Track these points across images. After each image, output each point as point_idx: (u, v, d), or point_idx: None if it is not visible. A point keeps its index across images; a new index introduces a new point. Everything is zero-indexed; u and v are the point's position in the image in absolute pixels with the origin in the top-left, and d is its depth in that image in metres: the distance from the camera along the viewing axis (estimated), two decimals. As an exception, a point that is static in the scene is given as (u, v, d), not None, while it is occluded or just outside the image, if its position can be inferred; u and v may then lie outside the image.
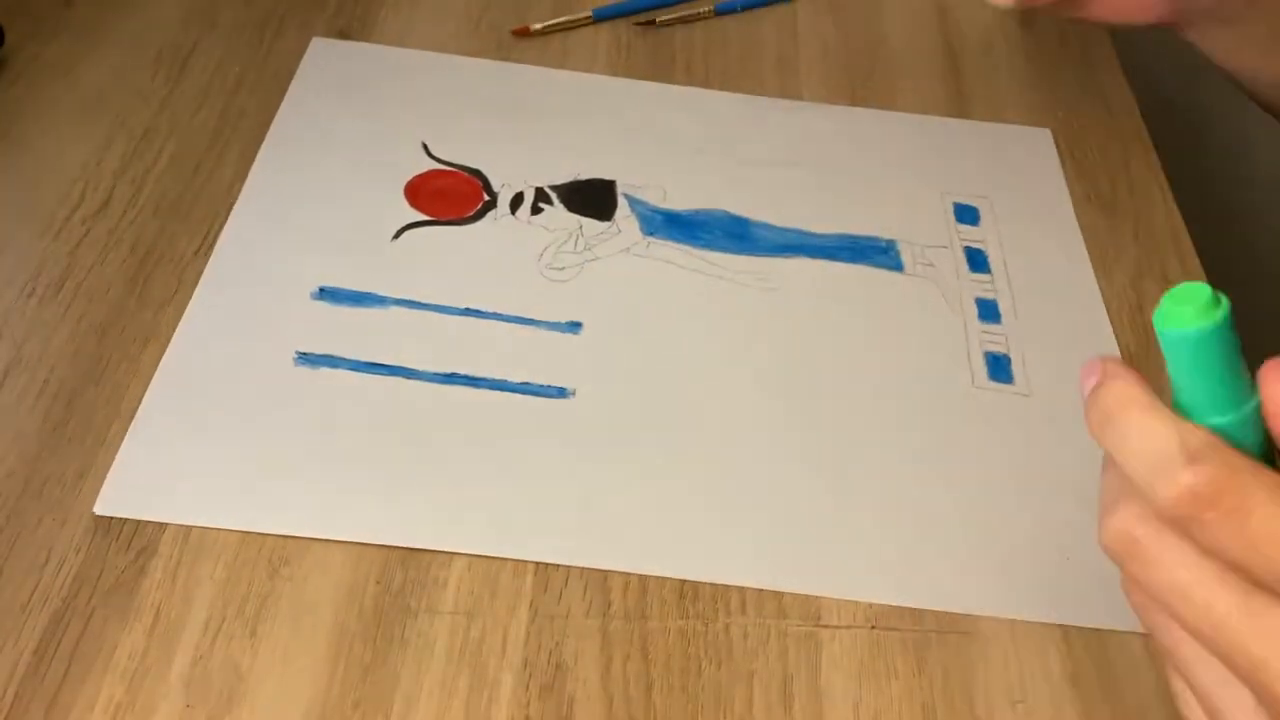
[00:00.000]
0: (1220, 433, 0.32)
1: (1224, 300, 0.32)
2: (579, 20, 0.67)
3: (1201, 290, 0.31)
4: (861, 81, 0.66)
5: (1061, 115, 0.65)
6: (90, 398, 0.46)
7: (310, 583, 0.41)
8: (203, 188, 0.54)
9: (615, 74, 0.64)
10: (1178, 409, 0.33)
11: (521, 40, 0.65)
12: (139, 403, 0.45)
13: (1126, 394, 0.31)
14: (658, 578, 0.43)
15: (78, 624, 0.39)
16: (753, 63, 0.66)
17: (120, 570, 0.41)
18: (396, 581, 0.42)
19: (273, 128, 0.57)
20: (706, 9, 0.68)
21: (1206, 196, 0.68)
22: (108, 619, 0.40)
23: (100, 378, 0.46)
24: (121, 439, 0.44)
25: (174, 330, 0.48)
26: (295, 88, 0.60)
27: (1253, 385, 0.32)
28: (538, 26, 0.66)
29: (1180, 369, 0.33)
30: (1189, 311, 0.32)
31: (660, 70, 0.65)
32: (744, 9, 0.69)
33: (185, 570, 0.41)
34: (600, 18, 0.67)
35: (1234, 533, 0.27)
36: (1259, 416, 0.32)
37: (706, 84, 0.64)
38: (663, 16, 0.68)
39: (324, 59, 0.62)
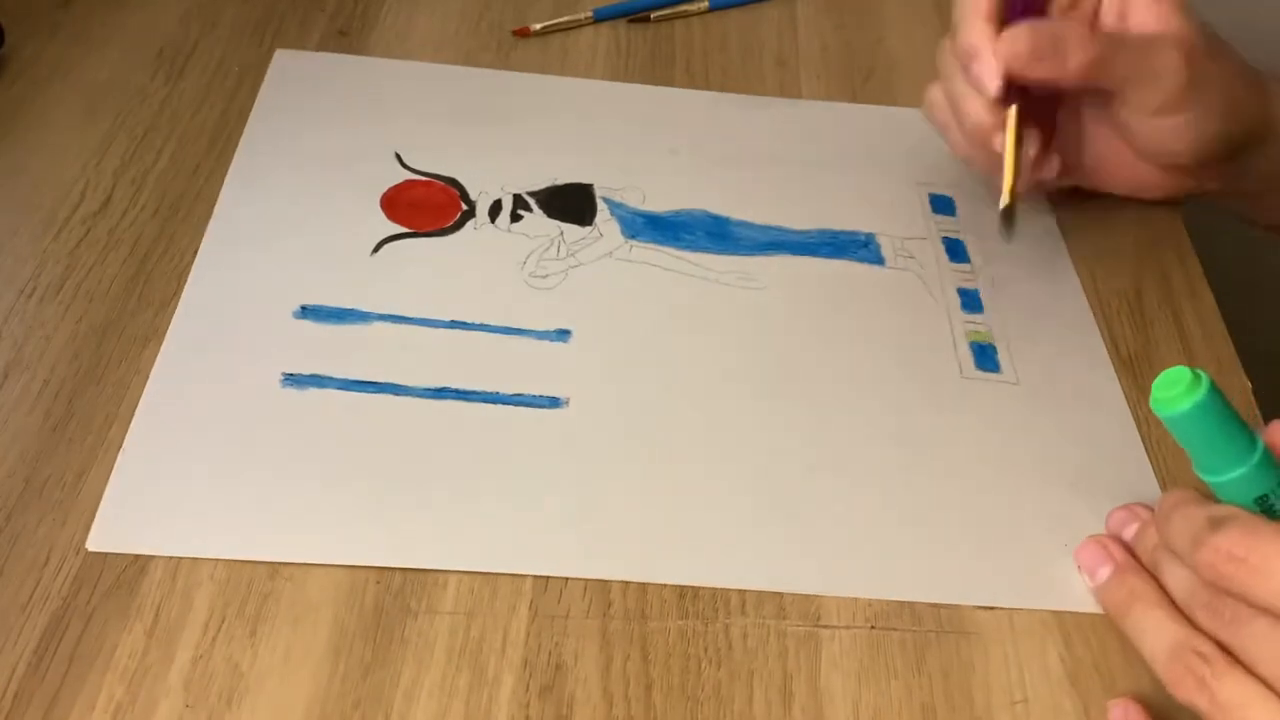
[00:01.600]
0: (1240, 481, 0.38)
1: (1203, 376, 0.37)
2: (579, 20, 0.67)
3: (1182, 373, 0.37)
4: (861, 81, 0.66)
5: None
6: (90, 398, 0.46)
7: (310, 583, 0.41)
8: (203, 188, 0.54)
9: (615, 74, 0.64)
10: (1199, 471, 0.39)
11: (521, 40, 0.65)
12: (139, 403, 0.45)
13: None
14: (658, 578, 0.43)
15: (78, 624, 0.39)
16: (753, 63, 0.66)
17: (120, 570, 0.41)
18: (396, 581, 0.42)
19: (240, 145, 0.56)
20: (702, 4, 0.69)
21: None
22: (108, 619, 0.40)
23: (100, 378, 0.46)
24: (122, 439, 0.44)
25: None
26: (260, 103, 0.59)
27: (1254, 436, 0.38)
28: (538, 27, 0.66)
29: (1187, 441, 0.38)
30: (1176, 393, 0.37)
31: (660, 70, 0.65)
32: (739, 4, 0.69)
33: (185, 570, 0.41)
34: (601, 18, 0.67)
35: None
36: (1269, 460, 0.38)
37: (706, 84, 0.64)
38: (658, 12, 0.68)
39: (287, 72, 0.61)
